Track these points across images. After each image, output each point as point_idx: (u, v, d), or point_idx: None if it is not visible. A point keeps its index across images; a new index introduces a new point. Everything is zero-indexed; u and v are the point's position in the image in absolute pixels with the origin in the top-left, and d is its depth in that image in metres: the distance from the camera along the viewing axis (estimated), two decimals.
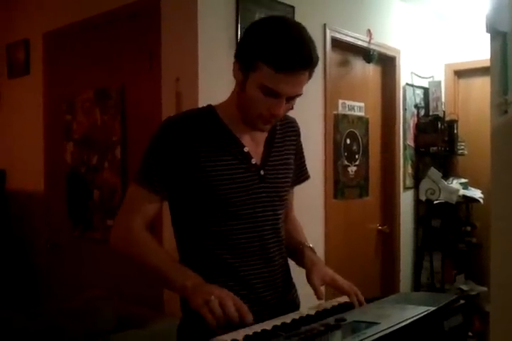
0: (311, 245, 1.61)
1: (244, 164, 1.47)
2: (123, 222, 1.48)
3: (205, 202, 1.44)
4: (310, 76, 1.37)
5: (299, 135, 1.66)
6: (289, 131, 1.62)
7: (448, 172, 4.49)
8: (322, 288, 1.45)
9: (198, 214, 1.46)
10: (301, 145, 1.67)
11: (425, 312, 1.17)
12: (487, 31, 2.58)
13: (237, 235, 1.45)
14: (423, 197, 4.22)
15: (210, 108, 1.52)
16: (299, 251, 1.59)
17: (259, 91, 1.35)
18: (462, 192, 4.30)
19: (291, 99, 1.39)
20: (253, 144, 1.50)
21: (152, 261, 1.41)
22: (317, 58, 1.35)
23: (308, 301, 1.51)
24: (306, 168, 1.73)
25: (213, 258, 1.45)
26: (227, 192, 1.42)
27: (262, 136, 1.53)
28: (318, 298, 1.42)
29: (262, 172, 1.49)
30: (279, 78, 1.31)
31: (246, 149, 1.48)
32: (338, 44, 3.44)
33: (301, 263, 1.58)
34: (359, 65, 3.78)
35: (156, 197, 1.45)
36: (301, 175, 1.70)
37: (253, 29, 1.39)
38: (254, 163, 1.48)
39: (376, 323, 1.11)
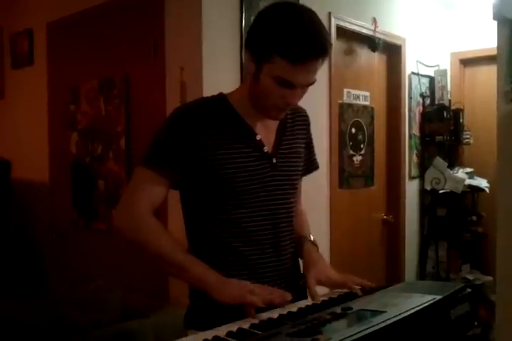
0: (312, 239, 1.61)
1: (257, 152, 1.46)
2: (128, 205, 1.43)
3: (216, 190, 1.43)
4: (323, 62, 1.36)
5: (308, 125, 1.66)
6: (299, 121, 1.62)
7: (453, 162, 4.47)
8: (317, 288, 1.45)
9: (209, 202, 1.45)
10: (310, 135, 1.67)
11: (432, 301, 1.17)
12: (494, 19, 2.55)
13: (249, 223, 1.45)
14: (428, 187, 4.20)
15: (221, 96, 1.51)
16: (299, 246, 1.59)
17: (273, 82, 1.35)
18: (468, 181, 4.28)
19: (305, 86, 1.40)
20: (265, 132, 1.50)
21: (161, 249, 1.38)
22: (331, 45, 1.36)
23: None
24: (316, 158, 1.73)
25: (223, 247, 1.45)
26: (239, 180, 1.42)
27: (273, 125, 1.52)
28: (311, 298, 1.41)
29: (274, 161, 1.49)
30: (295, 69, 1.32)
31: (258, 137, 1.48)
32: (343, 32, 3.42)
33: (300, 258, 1.59)
34: (364, 54, 3.75)
35: (164, 181, 1.42)
36: (311, 164, 1.71)
37: (265, 18, 1.37)
38: (266, 151, 1.48)
39: (382, 312, 1.10)
